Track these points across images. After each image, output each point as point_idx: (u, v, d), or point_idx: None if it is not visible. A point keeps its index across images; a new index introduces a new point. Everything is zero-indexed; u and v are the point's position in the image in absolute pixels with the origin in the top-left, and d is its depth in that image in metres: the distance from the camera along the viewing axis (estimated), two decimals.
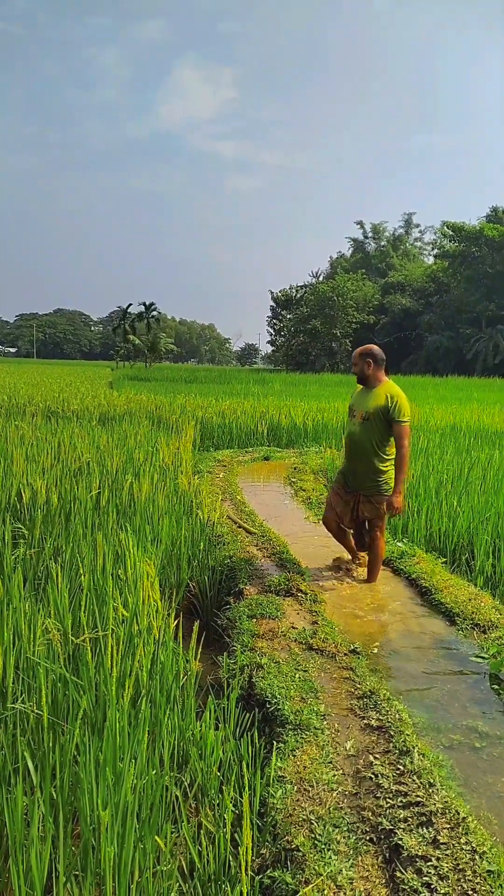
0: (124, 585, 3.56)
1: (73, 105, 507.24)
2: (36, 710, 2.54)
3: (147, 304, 68.05)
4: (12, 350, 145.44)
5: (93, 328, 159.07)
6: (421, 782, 2.49)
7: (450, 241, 59.75)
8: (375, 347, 4.92)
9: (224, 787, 2.41)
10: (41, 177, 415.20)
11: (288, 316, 68.65)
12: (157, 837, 2.13)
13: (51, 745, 2.43)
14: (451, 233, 58.51)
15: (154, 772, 2.35)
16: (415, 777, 2.52)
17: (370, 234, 78.75)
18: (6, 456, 6.39)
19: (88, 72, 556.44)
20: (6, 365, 53.84)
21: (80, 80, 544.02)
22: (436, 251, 67.70)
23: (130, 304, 69.10)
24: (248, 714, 2.99)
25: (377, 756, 2.71)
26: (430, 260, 71.42)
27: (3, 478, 5.55)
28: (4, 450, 6.77)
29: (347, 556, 5.40)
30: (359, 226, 79.51)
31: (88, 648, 2.85)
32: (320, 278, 71.01)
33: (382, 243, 77.60)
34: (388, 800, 2.42)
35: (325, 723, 2.94)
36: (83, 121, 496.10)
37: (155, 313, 69.19)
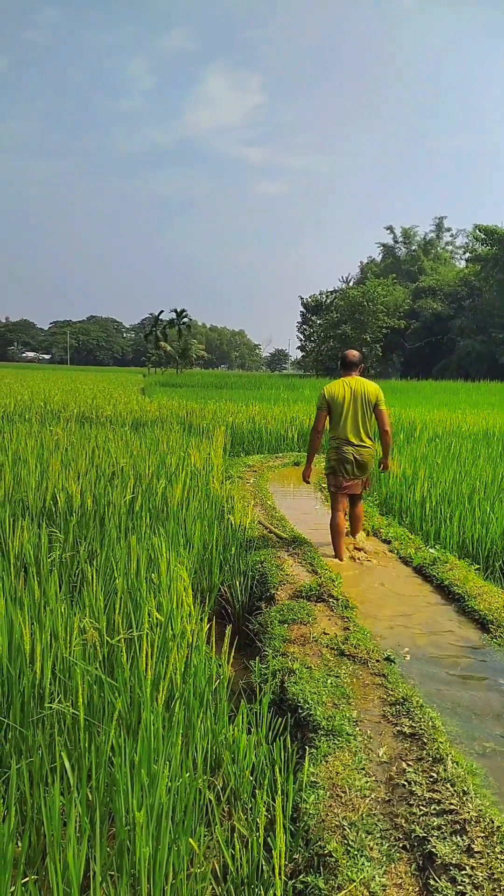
0: (158, 589, 3.59)
1: (100, 113, 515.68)
2: (73, 711, 2.58)
3: (178, 310, 68.65)
4: (47, 357, 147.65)
5: (125, 335, 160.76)
6: (455, 790, 2.47)
7: (482, 244, 59.00)
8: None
9: (257, 792, 2.42)
10: (70, 183, 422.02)
11: (318, 321, 68.50)
12: (190, 840, 2.15)
13: (86, 745, 2.47)
14: (483, 236, 57.78)
15: (188, 774, 2.38)
16: (448, 785, 2.51)
17: (400, 239, 78.30)
18: (42, 461, 6.50)
19: (116, 80, 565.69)
20: (41, 371, 54.68)
21: (108, 88, 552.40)
22: (468, 255, 67.01)
23: (162, 311, 69.83)
24: (280, 719, 3.00)
25: (410, 763, 2.69)
26: (462, 264, 70.74)
27: (39, 482, 5.64)
28: (40, 455, 6.88)
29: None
30: (388, 230, 79.12)
31: (124, 650, 2.89)
32: (350, 283, 70.75)
33: (413, 247, 77.09)
34: (421, 807, 2.41)
35: (357, 729, 2.94)
36: (110, 128, 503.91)
37: (186, 320, 69.75)
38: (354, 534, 6.10)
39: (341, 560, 5.62)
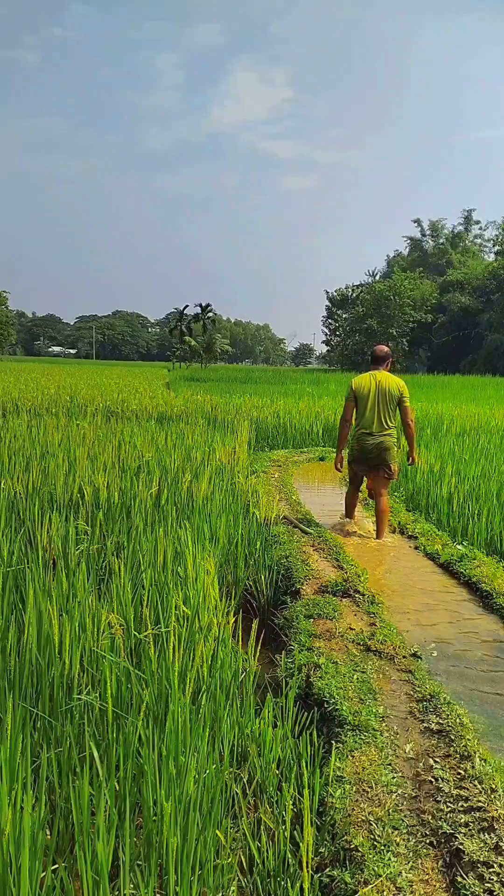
0: (184, 582, 3.61)
1: (129, 109, 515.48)
2: (101, 703, 2.61)
3: (203, 305, 68.78)
4: (72, 351, 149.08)
5: (150, 330, 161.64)
6: (482, 787, 2.45)
7: None
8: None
9: (283, 785, 2.43)
10: (97, 179, 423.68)
11: (344, 315, 68.24)
12: (217, 831, 2.16)
13: (114, 736, 2.50)
14: None
15: (214, 766, 2.39)
16: (476, 782, 2.49)
17: (428, 232, 77.58)
18: (69, 455, 6.56)
19: (144, 76, 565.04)
20: (67, 366, 55.21)
21: (136, 84, 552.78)
22: (497, 248, 66.18)
23: (187, 306, 70.01)
24: (305, 713, 3.00)
25: (437, 760, 2.68)
26: (491, 257, 69.83)
27: (67, 475, 5.70)
28: (68, 448, 6.95)
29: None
30: (416, 223, 78.46)
31: (151, 643, 2.91)
32: (377, 277, 70.30)
33: (441, 241, 76.30)
34: (448, 804, 2.40)
35: (383, 725, 2.93)
36: (138, 124, 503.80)
37: (211, 314, 69.87)
38: (380, 535, 6.18)
39: (352, 517, 6.59)
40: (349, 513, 6.65)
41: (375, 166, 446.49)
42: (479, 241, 76.45)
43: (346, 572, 4.87)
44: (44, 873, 1.97)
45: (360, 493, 6.62)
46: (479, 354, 56.38)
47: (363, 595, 4.46)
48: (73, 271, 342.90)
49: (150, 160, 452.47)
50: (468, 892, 2.01)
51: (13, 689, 2.75)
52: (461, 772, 2.57)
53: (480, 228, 76.29)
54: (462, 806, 2.38)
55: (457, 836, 2.23)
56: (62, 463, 6.09)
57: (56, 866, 2.07)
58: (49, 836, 2.17)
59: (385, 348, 6.35)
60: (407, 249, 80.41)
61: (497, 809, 2.32)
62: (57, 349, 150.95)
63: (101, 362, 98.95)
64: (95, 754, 2.31)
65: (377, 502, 6.20)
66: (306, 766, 2.49)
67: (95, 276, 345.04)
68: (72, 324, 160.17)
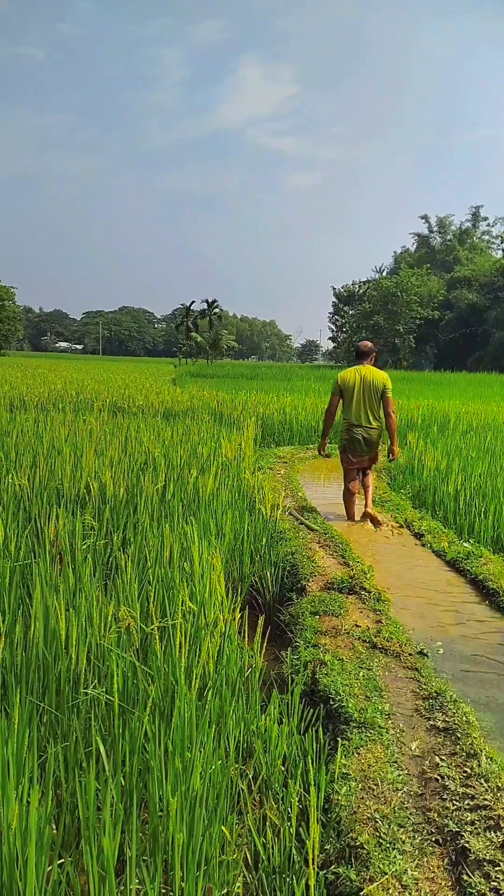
0: (190, 578, 3.61)
1: (133, 106, 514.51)
2: (108, 697, 2.61)
3: (209, 301, 68.77)
4: (79, 347, 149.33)
5: (156, 325, 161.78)
6: (489, 786, 2.44)
7: None
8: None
9: (289, 782, 2.43)
10: (104, 176, 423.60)
11: (350, 312, 68.05)
12: (223, 827, 2.16)
13: (120, 731, 2.50)
14: None
15: (220, 762, 2.39)
16: (482, 780, 2.48)
17: (435, 228, 77.32)
18: (76, 450, 6.57)
19: (148, 73, 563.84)
20: (73, 361, 55.27)
21: (140, 81, 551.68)
22: None
23: (193, 302, 70.03)
24: (311, 710, 3.00)
25: (443, 758, 2.67)
26: (499, 254, 69.56)
27: (73, 471, 5.71)
28: (74, 444, 6.96)
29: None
30: (423, 220, 78.20)
31: (157, 638, 2.91)
32: (384, 273, 70.06)
33: (448, 237, 76.04)
34: (454, 802, 2.39)
35: (389, 722, 2.92)
36: (142, 122, 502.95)
37: (217, 310, 69.85)
38: (367, 504, 6.56)
39: (353, 520, 6.67)
40: (350, 513, 6.78)
41: (380, 163, 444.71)
42: (486, 237, 76.20)
43: (353, 569, 4.86)
44: (50, 867, 1.98)
45: (356, 494, 6.80)
46: (487, 351, 56.16)
47: (369, 592, 4.45)
48: (79, 267, 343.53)
49: (155, 157, 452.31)
50: (474, 891, 2.01)
51: (20, 683, 2.75)
52: (467, 770, 2.56)
53: (488, 225, 76.04)
54: (468, 804, 2.37)
55: (463, 834, 2.23)
56: (69, 458, 6.10)
57: (62, 861, 2.08)
58: (55, 831, 2.17)
59: (369, 344, 6.71)
60: (414, 246, 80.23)
61: (503, 808, 2.32)
62: (64, 345, 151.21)
63: (107, 358, 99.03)
64: (102, 749, 2.31)
65: (364, 479, 6.72)
66: (312, 763, 2.49)
67: (101, 271, 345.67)
68: (78, 319, 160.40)
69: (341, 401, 6.50)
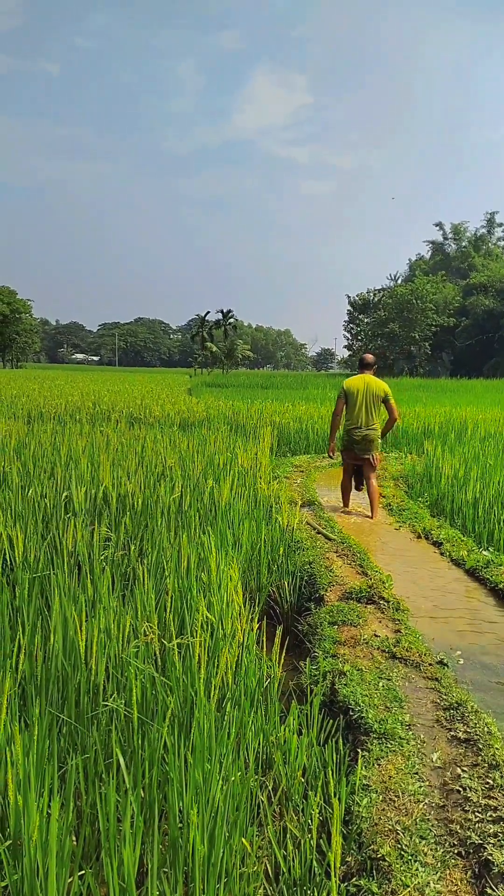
0: (208, 588, 3.61)
1: (149, 116, 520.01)
2: (126, 709, 2.61)
3: (224, 311, 69.06)
4: (95, 358, 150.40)
5: (172, 336, 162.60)
6: None
7: None
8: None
9: (309, 793, 2.41)
10: (118, 188, 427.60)
11: (365, 320, 67.99)
12: (243, 839, 2.16)
13: (140, 742, 2.50)
14: None
15: (239, 774, 2.38)
16: None
17: (450, 235, 77.10)
18: (93, 461, 6.61)
19: (164, 82, 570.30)
20: (90, 373, 55.66)
21: (156, 90, 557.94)
22: None
23: (208, 312, 70.35)
24: (331, 721, 2.98)
25: (465, 769, 2.64)
26: None
27: (91, 482, 5.74)
28: (91, 455, 7.00)
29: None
30: (438, 227, 78.01)
31: (176, 650, 2.91)
32: (399, 281, 69.97)
33: (463, 244, 75.78)
34: (476, 813, 2.36)
35: (410, 733, 2.90)
36: (158, 131, 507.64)
37: (232, 320, 70.10)
38: (374, 514, 7.27)
39: (348, 507, 7.56)
40: (346, 500, 7.66)
41: (394, 169, 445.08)
42: (502, 243, 75.80)
43: (371, 578, 4.83)
44: (70, 879, 1.98)
45: (352, 487, 7.65)
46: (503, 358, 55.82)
47: (388, 601, 4.42)
48: (95, 279, 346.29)
49: (171, 166, 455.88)
50: None
51: (40, 694, 2.76)
52: (490, 781, 2.53)
53: (503, 231, 75.66)
54: (491, 816, 2.34)
55: (486, 846, 2.20)
56: (86, 469, 6.14)
57: (82, 872, 2.08)
58: (75, 843, 2.18)
59: (371, 356, 7.67)
60: (429, 253, 79.99)
61: None
62: (80, 356, 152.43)
63: (123, 369, 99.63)
64: (122, 761, 2.31)
65: (368, 486, 7.37)
66: (332, 775, 2.48)
67: (117, 283, 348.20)
68: (94, 331, 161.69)
69: (346, 405, 7.29)
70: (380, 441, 7.31)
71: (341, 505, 7.68)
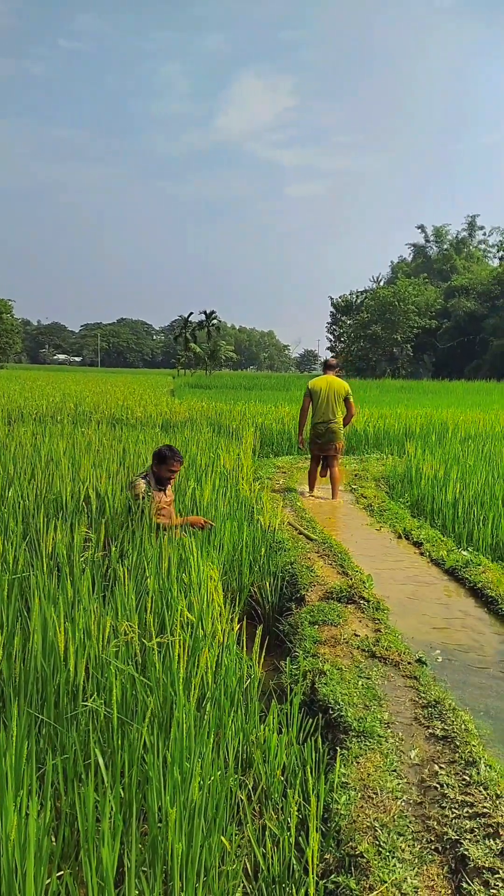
0: (189, 589, 3.62)
1: (137, 117, 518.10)
2: (106, 709, 2.61)
3: (207, 312, 68.96)
4: (77, 359, 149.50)
5: (154, 337, 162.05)
6: (488, 794, 2.45)
7: None
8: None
9: (288, 791, 2.43)
10: (102, 189, 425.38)
11: (348, 322, 68.30)
12: (222, 837, 2.17)
13: (119, 743, 2.50)
14: None
15: (219, 773, 2.39)
16: (481, 788, 2.48)
17: (432, 238, 77.66)
18: (74, 462, 6.58)
19: (151, 85, 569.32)
20: (72, 374, 55.33)
21: (143, 93, 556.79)
22: (501, 253, 66.20)
23: (191, 313, 70.16)
24: (310, 720, 3.00)
25: (442, 766, 2.67)
26: (496, 262, 69.84)
27: (72, 483, 5.72)
28: (73, 456, 6.97)
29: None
30: (420, 230, 78.53)
31: (156, 650, 2.91)
32: (381, 283, 70.36)
33: (445, 246, 76.36)
34: (453, 810, 2.39)
35: (388, 731, 2.92)
36: (146, 133, 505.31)
37: (215, 321, 70.03)
38: (335, 496, 8.35)
39: (312, 490, 8.51)
40: (311, 486, 8.57)
41: (379, 173, 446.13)
42: (483, 246, 76.50)
43: (351, 578, 4.86)
44: (49, 880, 1.98)
45: (318, 475, 8.56)
46: (484, 360, 56.31)
47: (368, 601, 4.46)
48: (77, 279, 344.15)
49: (158, 168, 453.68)
50: None
51: (19, 695, 2.75)
52: (466, 778, 2.57)
53: (484, 234, 76.39)
54: (467, 812, 2.37)
55: (462, 842, 2.23)
56: (67, 470, 6.11)
57: (61, 873, 2.08)
58: (54, 843, 2.17)
59: (334, 360, 8.97)
60: (411, 255, 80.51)
61: (502, 815, 2.32)
62: (62, 357, 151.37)
63: (105, 370, 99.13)
64: (101, 761, 2.32)
65: (331, 472, 8.39)
66: (311, 773, 2.49)
67: (100, 284, 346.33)
68: (77, 332, 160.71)
69: (311, 403, 8.28)
70: (342, 433, 8.32)
71: (313, 496, 8.50)
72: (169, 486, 5.26)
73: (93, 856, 1.93)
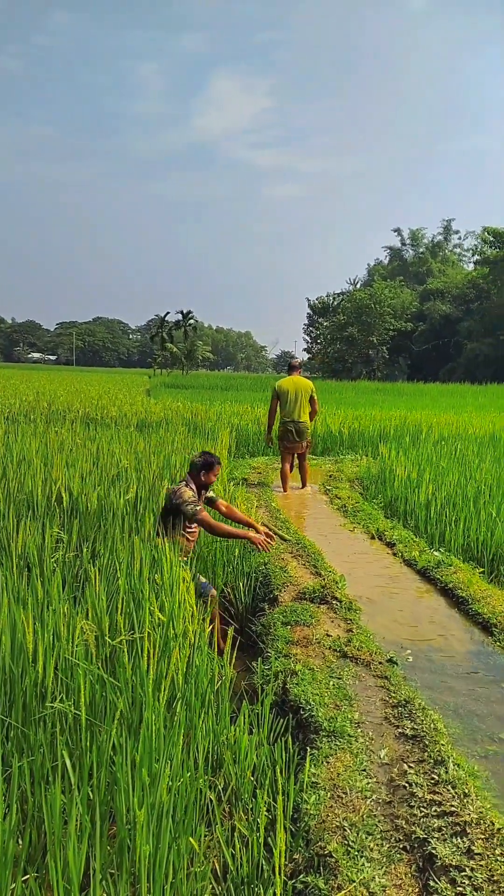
0: (160, 589, 3.60)
1: (113, 116, 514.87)
2: (74, 711, 2.59)
3: (184, 312, 68.80)
4: (52, 358, 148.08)
5: (131, 336, 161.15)
6: (456, 792, 2.47)
7: (490, 246, 58.95)
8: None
9: (258, 792, 2.43)
10: (79, 187, 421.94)
11: (325, 323, 68.50)
12: (191, 839, 2.16)
13: (87, 744, 2.48)
14: (491, 238, 57.79)
15: (188, 774, 2.38)
16: (449, 787, 2.50)
17: (408, 241, 78.24)
18: (47, 462, 6.52)
19: (128, 84, 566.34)
20: (46, 372, 54.81)
21: (120, 91, 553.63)
22: (476, 257, 66.91)
23: (168, 313, 69.98)
24: (281, 720, 3.00)
25: (412, 765, 2.69)
26: (471, 266, 70.59)
27: (44, 483, 5.66)
28: (45, 455, 6.91)
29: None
30: (396, 233, 79.05)
31: (125, 650, 2.89)
32: (357, 285, 70.74)
33: (421, 250, 76.99)
34: (422, 809, 2.41)
35: (359, 730, 2.94)
36: (123, 132, 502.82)
37: (192, 321, 69.87)
38: (304, 485, 9.03)
39: (286, 491, 8.74)
40: (284, 484, 8.89)
41: (357, 176, 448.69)
42: (458, 250, 77.26)
43: (325, 579, 4.88)
44: (14, 885, 1.95)
45: (289, 474, 8.95)
46: (459, 363, 56.84)
47: (340, 601, 4.47)
48: (53, 277, 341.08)
49: (134, 167, 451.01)
50: None
51: None
52: (435, 776, 2.59)
53: (459, 238, 77.18)
54: (436, 811, 2.39)
55: (430, 840, 2.25)
56: (39, 470, 6.05)
57: (27, 876, 2.05)
58: (20, 846, 2.14)
59: (298, 361, 9.32)
60: (387, 258, 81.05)
61: (470, 814, 2.34)
62: (37, 355, 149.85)
63: (81, 369, 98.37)
64: (68, 763, 2.29)
65: (301, 465, 9.06)
66: (281, 773, 2.49)
67: (75, 282, 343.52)
68: (52, 330, 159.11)
69: (279, 402, 8.67)
70: (309, 430, 8.79)
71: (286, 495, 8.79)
72: (205, 492, 5.12)
73: (59, 858, 1.91)
